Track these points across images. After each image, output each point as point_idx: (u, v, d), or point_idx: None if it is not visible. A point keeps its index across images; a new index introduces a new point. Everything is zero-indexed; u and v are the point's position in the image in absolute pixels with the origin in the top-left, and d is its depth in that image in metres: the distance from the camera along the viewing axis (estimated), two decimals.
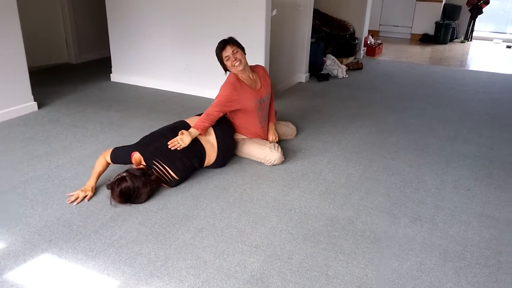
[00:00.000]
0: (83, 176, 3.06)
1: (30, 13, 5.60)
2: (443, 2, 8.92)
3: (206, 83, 4.84)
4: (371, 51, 7.45)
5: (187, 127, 3.11)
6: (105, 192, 2.86)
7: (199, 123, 3.10)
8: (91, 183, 2.87)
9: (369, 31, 7.80)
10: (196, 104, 4.65)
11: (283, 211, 2.73)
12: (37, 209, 2.68)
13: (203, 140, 3.13)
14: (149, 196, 2.79)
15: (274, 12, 4.54)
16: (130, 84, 5.36)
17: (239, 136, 3.46)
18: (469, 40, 9.10)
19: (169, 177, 2.91)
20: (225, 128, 3.30)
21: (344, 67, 6.11)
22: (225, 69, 3.33)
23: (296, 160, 3.43)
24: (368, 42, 7.49)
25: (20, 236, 2.42)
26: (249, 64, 3.40)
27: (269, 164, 3.32)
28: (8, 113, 4.12)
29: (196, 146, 3.07)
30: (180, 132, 3.01)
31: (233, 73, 3.31)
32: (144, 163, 2.89)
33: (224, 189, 2.98)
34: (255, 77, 3.42)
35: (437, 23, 8.81)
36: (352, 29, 7.01)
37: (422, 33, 9.11)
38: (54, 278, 2.12)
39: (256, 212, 2.72)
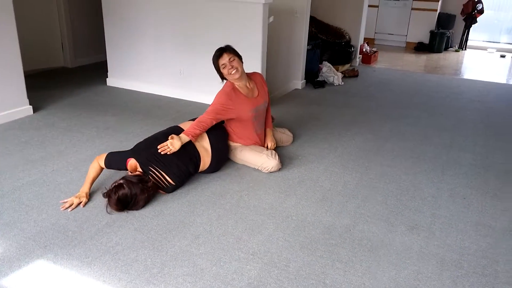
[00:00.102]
0: (78, 181, 3.04)
1: (26, 16, 5.58)
2: (438, 11, 8.99)
3: (203, 88, 4.84)
4: (367, 58, 7.49)
5: (180, 132, 3.10)
6: (100, 198, 2.83)
7: (190, 130, 3.08)
8: (85, 189, 2.84)
9: (365, 39, 7.85)
10: (192, 109, 4.64)
11: (280, 218, 2.72)
12: (32, 214, 2.66)
13: (197, 145, 3.13)
14: (147, 202, 2.78)
15: (271, 19, 4.56)
16: (126, 89, 5.34)
17: (235, 144, 3.45)
18: (464, 49, 9.17)
19: (166, 182, 2.89)
20: (218, 133, 3.30)
21: (340, 74, 6.13)
22: (222, 77, 3.32)
23: (293, 167, 3.43)
24: (364, 50, 7.53)
25: (15, 241, 2.40)
26: (246, 72, 3.40)
27: (266, 171, 3.31)
28: (3, 117, 4.09)
29: (190, 151, 3.07)
30: (170, 136, 3.00)
31: (229, 81, 3.30)
32: (140, 170, 2.88)
33: (220, 196, 2.97)
34: (252, 85, 3.41)
35: (431, 32, 8.87)
36: (348, 36, 7.04)
37: (417, 41, 9.17)
38: (49, 285, 2.10)
39: (253, 219, 2.71)
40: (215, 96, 3.28)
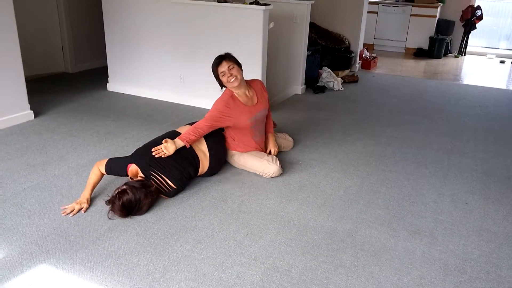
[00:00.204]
0: (80, 186, 3.04)
1: (27, 22, 5.59)
2: (437, 18, 9.03)
3: (203, 94, 4.84)
4: (367, 64, 7.51)
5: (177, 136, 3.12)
6: (102, 203, 2.83)
7: (185, 135, 3.08)
8: (86, 195, 2.83)
9: (364, 45, 7.87)
10: (192, 114, 4.65)
11: (281, 223, 2.72)
12: (34, 219, 2.65)
13: (196, 149, 3.15)
14: (150, 207, 2.77)
15: (271, 25, 4.57)
16: (126, 94, 5.35)
17: (235, 152, 3.45)
18: (463, 55, 9.19)
19: (167, 186, 2.89)
20: (215, 137, 3.31)
21: (340, 80, 6.14)
22: (221, 84, 3.31)
23: (294, 172, 3.43)
24: (364, 56, 7.55)
25: (17, 246, 2.39)
26: (246, 79, 3.39)
27: (267, 176, 3.31)
28: (4, 122, 4.09)
29: (190, 154, 3.09)
30: (164, 140, 3.01)
31: (228, 89, 3.30)
32: (141, 175, 2.88)
33: (222, 201, 2.97)
34: (251, 93, 3.39)
35: (431, 38, 8.90)
36: (347, 42, 7.06)
37: (416, 47, 9.19)
38: None
39: (254, 224, 2.70)
40: (214, 102, 3.28)
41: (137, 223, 2.65)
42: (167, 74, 5.06)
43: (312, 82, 5.96)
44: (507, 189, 3.29)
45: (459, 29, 9.11)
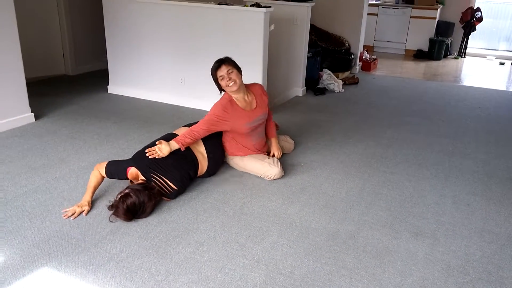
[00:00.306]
0: (81, 189, 3.03)
1: (28, 24, 5.59)
2: (437, 19, 9.04)
3: (204, 96, 4.84)
4: (367, 66, 7.51)
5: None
6: (103, 205, 2.83)
7: (181, 138, 3.07)
8: (87, 197, 2.82)
9: (364, 47, 7.88)
10: (193, 116, 4.63)
11: (283, 225, 2.72)
12: (36, 222, 2.65)
13: (194, 150, 3.16)
14: (153, 209, 2.77)
15: (272, 27, 4.58)
16: (127, 96, 5.35)
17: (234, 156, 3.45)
18: (463, 56, 9.20)
19: (168, 188, 2.89)
20: (213, 140, 3.32)
21: (340, 82, 6.14)
22: (220, 89, 3.30)
23: (295, 174, 3.43)
24: (364, 57, 7.55)
25: (18, 249, 2.38)
26: (246, 83, 3.38)
27: (269, 179, 3.30)
28: (5, 124, 4.09)
29: (188, 155, 3.10)
30: (158, 141, 3.00)
31: (227, 93, 3.29)
32: (142, 178, 2.88)
33: (224, 203, 2.96)
34: (250, 98, 3.36)
35: (431, 40, 8.91)
36: (347, 44, 7.07)
37: (416, 49, 9.20)
38: None
39: (256, 226, 2.70)
40: (211, 107, 3.28)
41: (139, 225, 2.65)
42: (167, 76, 5.06)
43: (313, 84, 5.97)
44: (508, 190, 3.29)
45: (459, 31, 9.12)
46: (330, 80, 6.04)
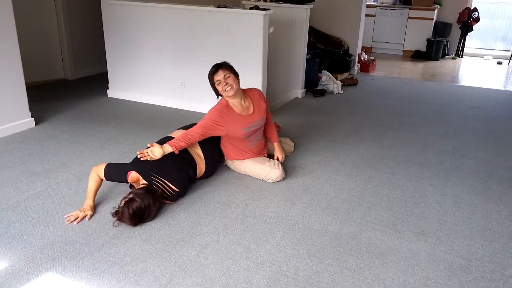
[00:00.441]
0: (83, 193, 3.03)
1: (27, 29, 5.60)
2: (434, 20, 9.07)
3: (204, 98, 4.84)
4: (365, 67, 7.53)
5: None
6: (106, 209, 2.83)
7: (175, 141, 3.06)
8: (89, 202, 2.82)
9: (362, 48, 7.90)
10: (193, 120, 4.62)
11: (286, 227, 2.72)
12: (39, 227, 2.65)
13: (192, 152, 3.17)
14: (158, 212, 2.78)
15: (271, 30, 4.59)
16: (127, 100, 5.35)
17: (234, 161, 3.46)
18: (460, 56, 9.24)
19: (170, 190, 2.90)
20: (210, 144, 3.33)
21: (339, 83, 6.16)
22: (217, 93, 3.28)
23: (297, 176, 3.44)
24: (362, 59, 7.58)
25: (22, 255, 2.39)
26: (244, 88, 3.36)
27: (271, 181, 3.31)
28: (5, 130, 4.09)
29: (187, 157, 3.12)
30: (150, 144, 3.01)
31: (224, 98, 3.28)
32: (143, 181, 2.88)
33: (226, 205, 2.97)
34: (247, 103, 3.34)
35: (428, 40, 8.94)
36: (346, 45, 7.09)
37: (414, 49, 9.23)
38: None
39: (259, 228, 2.71)
40: (208, 111, 3.27)
41: (142, 229, 2.65)
42: (167, 79, 5.07)
43: (312, 86, 5.98)
44: (509, 189, 3.30)
45: (456, 31, 9.16)
46: (329, 81, 6.06)
